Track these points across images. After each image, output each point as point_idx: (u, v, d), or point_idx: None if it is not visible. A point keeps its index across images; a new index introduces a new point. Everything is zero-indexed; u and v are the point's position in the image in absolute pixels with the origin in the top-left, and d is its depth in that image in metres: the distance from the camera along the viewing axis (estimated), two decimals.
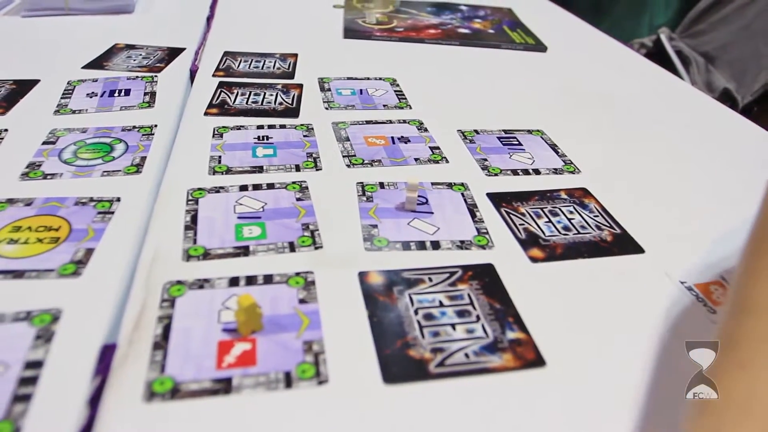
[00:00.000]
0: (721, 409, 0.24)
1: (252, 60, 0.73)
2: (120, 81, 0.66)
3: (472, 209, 0.46)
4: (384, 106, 0.63)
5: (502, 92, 0.70)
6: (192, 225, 0.42)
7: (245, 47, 0.77)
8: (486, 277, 0.39)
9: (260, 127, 0.57)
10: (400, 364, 0.32)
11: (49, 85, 0.64)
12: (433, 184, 0.49)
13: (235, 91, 0.64)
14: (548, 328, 0.36)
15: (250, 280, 0.37)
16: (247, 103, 0.61)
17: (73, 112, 0.59)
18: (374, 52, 0.81)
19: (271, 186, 0.47)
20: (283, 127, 0.57)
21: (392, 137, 0.56)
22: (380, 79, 0.70)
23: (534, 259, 0.41)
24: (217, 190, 0.46)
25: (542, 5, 1.16)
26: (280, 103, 0.62)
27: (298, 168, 0.50)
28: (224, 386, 0.30)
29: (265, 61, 0.73)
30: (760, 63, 0.84)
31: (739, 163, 0.57)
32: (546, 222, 0.45)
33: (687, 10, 1.17)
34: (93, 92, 0.63)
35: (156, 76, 0.68)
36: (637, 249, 0.44)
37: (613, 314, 0.38)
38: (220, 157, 0.51)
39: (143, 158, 0.51)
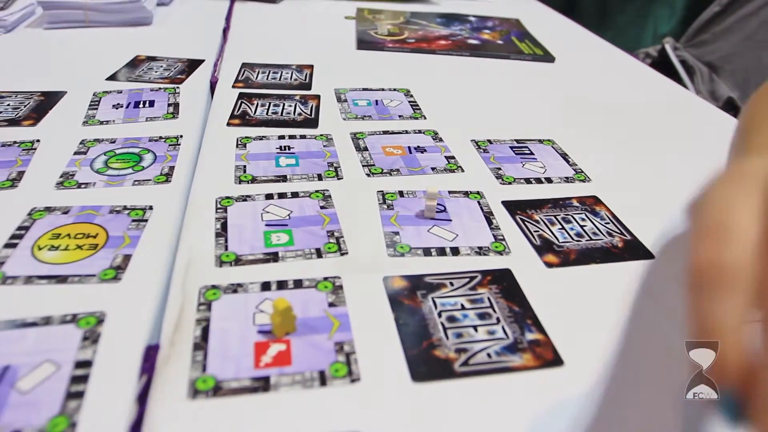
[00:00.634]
0: None
1: (270, 71, 0.76)
2: (144, 92, 0.68)
3: (488, 217, 0.48)
4: (399, 116, 0.65)
5: (513, 102, 0.73)
6: (222, 232, 0.44)
7: (262, 59, 0.80)
8: (504, 282, 0.41)
9: (281, 137, 0.59)
10: (426, 363, 0.34)
11: (75, 96, 0.66)
12: (450, 192, 0.51)
13: (255, 102, 0.66)
14: (565, 330, 0.38)
15: (281, 285, 0.39)
16: (267, 113, 0.64)
17: (101, 123, 0.61)
18: (387, 62, 0.83)
19: (295, 195, 0.49)
20: (303, 137, 0.59)
21: (409, 147, 0.58)
22: (394, 89, 0.72)
23: (549, 265, 0.43)
24: (244, 198, 0.48)
25: (549, 15, 1.19)
26: (300, 114, 0.64)
27: (320, 177, 0.52)
28: (263, 384, 0.32)
29: (282, 72, 0.76)
30: (763, 72, 0.86)
31: None
32: (559, 229, 0.47)
33: (691, 20, 1.20)
34: (119, 103, 0.65)
35: (178, 87, 0.70)
36: (647, 255, 0.46)
37: (639, 318, 0.39)
38: (245, 166, 0.53)
39: (171, 168, 0.53)
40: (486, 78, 0.80)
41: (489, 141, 0.61)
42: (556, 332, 0.37)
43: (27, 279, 0.39)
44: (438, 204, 0.49)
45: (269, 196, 0.49)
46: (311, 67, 0.78)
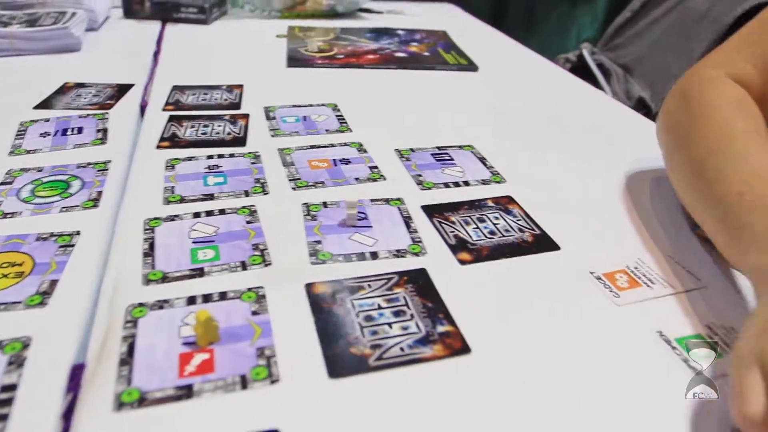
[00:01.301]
0: None
1: (200, 93, 0.77)
2: (72, 119, 0.69)
3: (407, 221, 0.51)
4: (326, 130, 0.68)
5: (437, 111, 0.76)
6: (150, 252, 0.46)
7: (193, 80, 0.81)
8: (420, 281, 0.44)
9: (210, 156, 0.61)
10: (343, 360, 0.36)
11: (1, 126, 0.66)
12: (372, 200, 0.54)
13: (185, 124, 0.68)
14: (475, 321, 0.40)
15: (207, 298, 0.41)
16: (197, 134, 0.65)
17: (28, 152, 0.61)
18: (317, 79, 0.86)
19: (222, 212, 0.51)
20: (231, 155, 0.61)
21: (334, 160, 0.61)
22: (322, 105, 0.75)
23: (463, 262, 0.46)
24: (172, 218, 0.50)
25: (476, 26, 1.24)
26: (229, 133, 0.66)
27: (247, 193, 0.54)
28: (186, 392, 0.34)
29: (212, 93, 0.77)
30: (669, 74, 0.92)
31: (647, 164, 0.64)
32: (474, 228, 0.51)
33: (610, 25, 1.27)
34: (46, 132, 0.65)
35: (107, 113, 0.71)
36: (553, 247, 0.49)
37: (533, 304, 0.43)
38: (173, 187, 0.55)
39: (100, 193, 0.54)
40: (411, 89, 0.84)
41: (411, 150, 0.64)
42: (466, 323, 0.40)
43: None
44: (360, 212, 0.52)
45: (197, 215, 0.51)
46: (241, 86, 0.80)
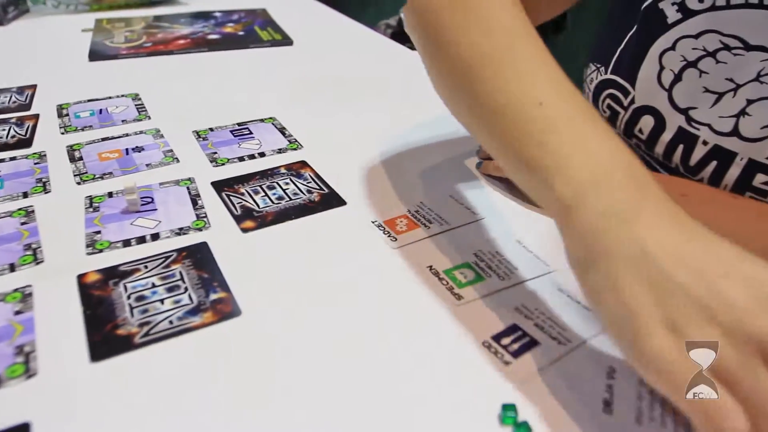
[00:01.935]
0: None
1: None
2: None
3: (195, 199, 0.51)
4: (123, 121, 0.66)
5: (243, 89, 0.76)
6: None
7: None
8: (198, 254, 0.44)
9: None
10: (107, 343, 0.36)
11: None
12: (161, 184, 0.53)
13: None
14: (251, 285, 0.42)
15: None
16: None
17: None
18: (120, 70, 0.82)
19: None
20: (13, 159, 0.58)
21: (127, 149, 0.59)
22: (122, 96, 0.72)
23: (245, 230, 0.47)
24: None
25: (299, 1, 1.24)
26: (13, 137, 0.62)
27: (26, 195, 0.52)
28: None
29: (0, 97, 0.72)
30: None
31: (445, 115, 0.68)
32: (263, 196, 0.52)
33: None
34: None
35: None
36: (340, 203, 0.51)
37: (312, 260, 0.45)
38: None
39: None
40: (221, 70, 0.83)
41: (210, 129, 0.64)
42: (242, 288, 0.41)
43: None
44: (147, 197, 0.51)
45: None
46: (34, 87, 0.75)
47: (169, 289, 0.41)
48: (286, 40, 0.94)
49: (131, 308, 0.39)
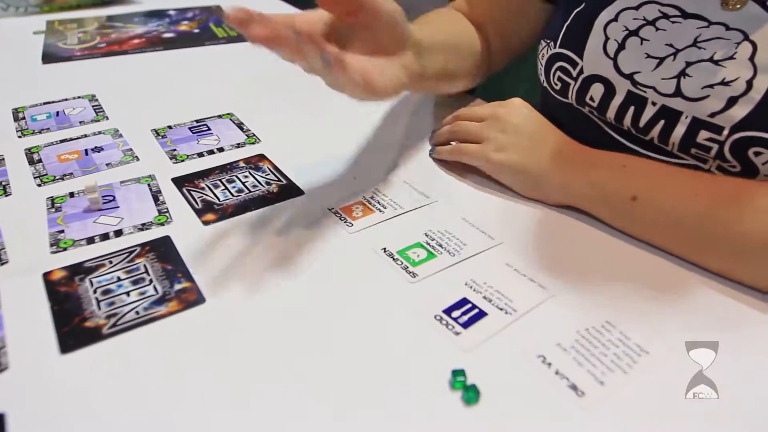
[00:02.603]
0: None
1: None
2: None
3: (156, 195, 0.52)
4: (80, 122, 0.66)
5: (200, 86, 0.77)
6: None
7: None
8: (162, 248, 0.46)
9: None
10: (76, 336, 0.38)
11: None
12: (122, 182, 0.54)
13: None
14: (214, 274, 0.44)
15: None
16: None
17: None
18: (75, 72, 0.82)
19: None
20: None
21: (86, 150, 0.60)
22: (79, 97, 0.73)
23: (206, 223, 0.49)
24: None
25: None
26: None
27: None
28: None
29: None
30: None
31: (400, 105, 0.70)
32: (223, 190, 0.53)
33: None
34: None
35: None
36: (298, 192, 0.53)
37: (272, 248, 0.47)
38: None
39: None
40: (175, 69, 0.84)
41: (169, 127, 0.65)
42: (205, 278, 0.43)
43: None
44: (108, 195, 0.52)
45: None
46: None
47: (134, 282, 0.42)
48: (242, 37, 0.95)
49: (98, 302, 0.40)
